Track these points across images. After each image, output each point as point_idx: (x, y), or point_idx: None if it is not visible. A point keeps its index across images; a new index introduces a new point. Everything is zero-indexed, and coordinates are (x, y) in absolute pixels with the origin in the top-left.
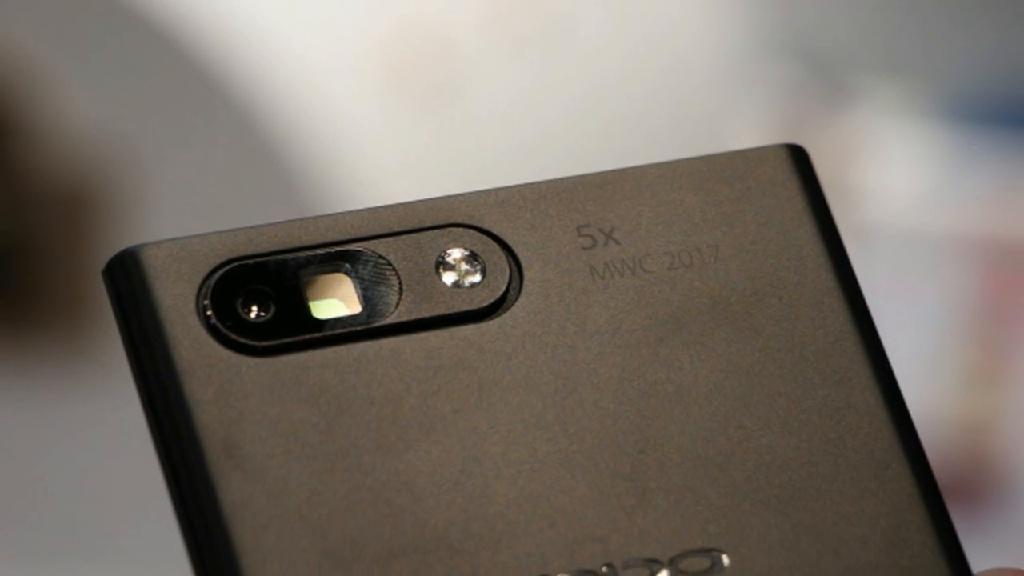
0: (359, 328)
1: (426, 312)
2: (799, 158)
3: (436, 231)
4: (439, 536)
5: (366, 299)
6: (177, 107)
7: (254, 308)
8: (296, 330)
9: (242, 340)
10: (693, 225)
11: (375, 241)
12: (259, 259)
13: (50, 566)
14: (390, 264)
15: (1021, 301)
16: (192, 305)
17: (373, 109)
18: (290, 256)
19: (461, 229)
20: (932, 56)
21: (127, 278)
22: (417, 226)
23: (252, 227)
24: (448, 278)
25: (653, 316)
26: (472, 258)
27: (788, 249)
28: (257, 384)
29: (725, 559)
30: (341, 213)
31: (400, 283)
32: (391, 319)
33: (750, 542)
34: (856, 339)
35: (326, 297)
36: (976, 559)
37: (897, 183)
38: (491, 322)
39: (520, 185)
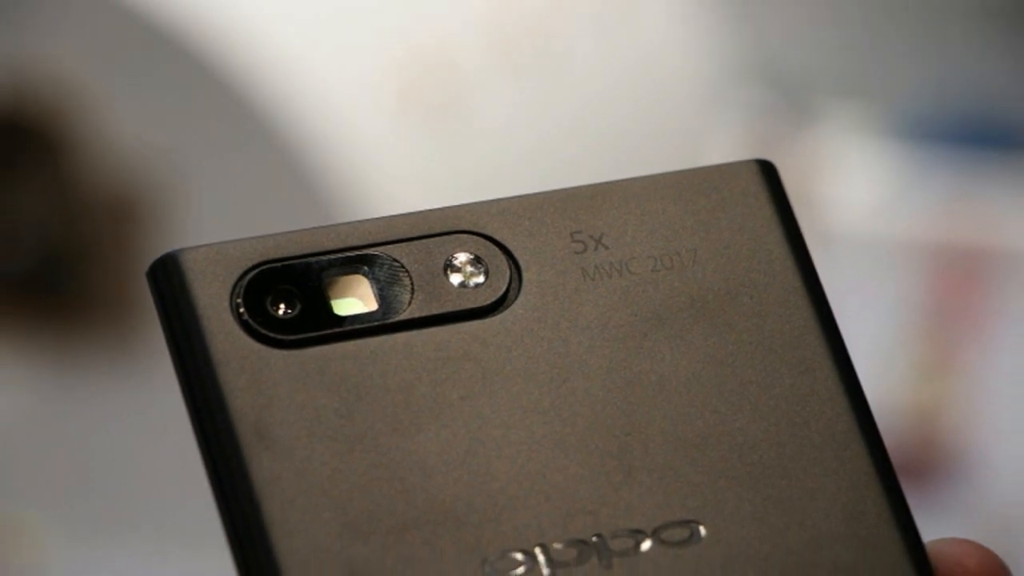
0: (375, 324)
1: (435, 309)
2: (768, 172)
3: (444, 237)
4: (447, 510)
5: (382, 298)
6: (213, 126)
7: (282, 306)
8: (319, 326)
9: (271, 334)
10: (674, 232)
11: (390, 246)
12: (286, 262)
13: (100, 538)
14: (403, 266)
15: (967, 301)
16: (226, 303)
17: (387, 127)
18: (314, 259)
19: (467, 235)
20: (886, 81)
21: (168, 279)
22: (427, 232)
23: (280, 233)
24: (455, 279)
25: (638, 313)
26: (476, 261)
27: (759, 253)
28: (284, 374)
29: (702, 530)
30: (359, 221)
31: (412, 283)
32: (404, 316)
33: (725, 515)
34: (819, 334)
35: (346, 296)
36: (926, 531)
37: (856, 195)
38: (493, 319)
39: (519, 196)
